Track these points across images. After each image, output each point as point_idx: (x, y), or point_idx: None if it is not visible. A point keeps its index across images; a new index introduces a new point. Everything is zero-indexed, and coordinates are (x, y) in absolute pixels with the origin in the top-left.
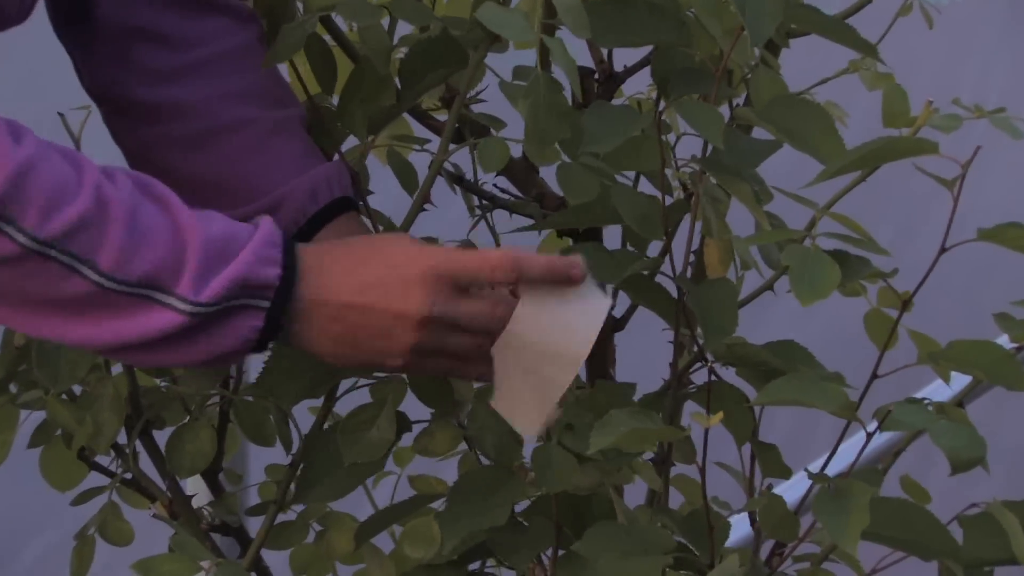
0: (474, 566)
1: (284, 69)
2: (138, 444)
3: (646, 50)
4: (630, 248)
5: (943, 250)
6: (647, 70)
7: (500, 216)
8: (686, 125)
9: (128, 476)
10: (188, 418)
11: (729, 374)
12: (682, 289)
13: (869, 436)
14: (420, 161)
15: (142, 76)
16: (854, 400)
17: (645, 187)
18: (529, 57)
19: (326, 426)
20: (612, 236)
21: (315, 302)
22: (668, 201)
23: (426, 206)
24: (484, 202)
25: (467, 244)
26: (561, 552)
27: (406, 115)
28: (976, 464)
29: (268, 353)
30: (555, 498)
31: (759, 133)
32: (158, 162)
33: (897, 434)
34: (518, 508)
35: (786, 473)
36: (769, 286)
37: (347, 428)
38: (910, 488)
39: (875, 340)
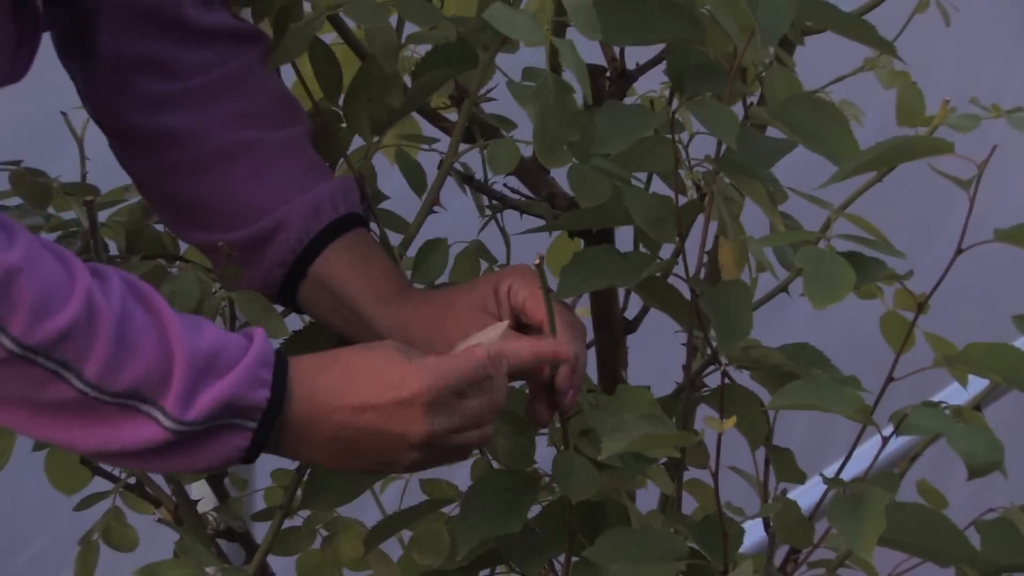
0: (484, 573)
1: (287, 74)
2: None
3: (658, 48)
4: (643, 249)
5: (959, 251)
6: (660, 68)
7: (510, 216)
8: (699, 124)
9: (132, 481)
10: None
11: (743, 377)
12: (695, 291)
13: (885, 440)
14: (428, 161)
15: (139, 104)
16: (870, 404)
17: (658, 187)
18: (541, 56)
19: None
20: (624, 235)
21: (308, 421)
22: (681, 202)
23: (435, 208)
24: (494, 202)
25: (476, 244)
26: (574, 559)
27: (415, 114)
28: (994, 469)
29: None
30: (569, 504)
31: (773, 132)
32: (161, 189)
33: (914, 438)
34: (529, 515)
35: (801, 478)
36: (783, 288)
37: None
38: (927, 493)
39: (891, 343)
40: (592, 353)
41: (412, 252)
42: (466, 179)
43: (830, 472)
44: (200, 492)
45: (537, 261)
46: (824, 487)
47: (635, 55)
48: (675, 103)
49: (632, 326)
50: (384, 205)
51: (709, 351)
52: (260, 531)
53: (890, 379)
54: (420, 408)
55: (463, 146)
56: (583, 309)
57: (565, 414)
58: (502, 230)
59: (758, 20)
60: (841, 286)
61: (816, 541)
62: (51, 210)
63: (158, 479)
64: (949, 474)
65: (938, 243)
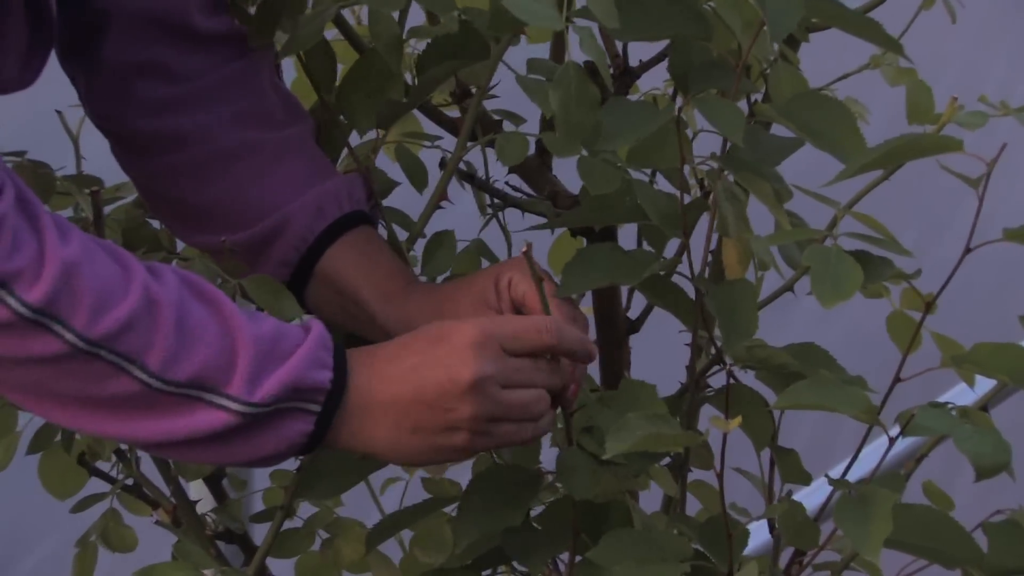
0: (487, 572)
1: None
2: None
3: (661, 45)
4: (647, 247)
5: (967, 250)
6: (662, 65)
7: (512, 215)
8: (703, 122)
9: (129, 482)
10: None
11: (748, 377)
12: (700, 290)
13: (892, 441)
14: (428, 158)
15: (142, 108)
16: (876, 404)
17: (661, 184)
18: (538, 51)
19: None
20: (627, 235)
21: (367, 398)
22: (686, 199)
23: (441, 204)
24: (496, 200)
25: (478, 243)
26: (578, 559)
27: (415, 111)
28: (1001, 470)
29: None
30: (573, 502)
31: (778, 129)
32: (164, 192)
33: (919, 439)
34: (533, 513)
35: (806, 479)
36: (789, 287)
37: None
38: (933, 494)
39: (898, 343)
40: None
41: (417, 249)
42: (468, 177)
43: (836, 473)
44: (198, 493)
45: (525, 249)
46: (830, 489)
47: (638, 52)
48: (680, 99)
49: (635, 325)
50: (388, 202)
51: (713, 351)
52: (259, 533)
53: (897, 379)
54: (469, 352)
55: (472, 144)
56: (586, 308)
57: (567, 409)
58: (503, 229)
59: (767, 16)
60: (848, 285)
61: (822, 543)
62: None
63: (157, 480)
64: (955, 475)
65: (945, 242)
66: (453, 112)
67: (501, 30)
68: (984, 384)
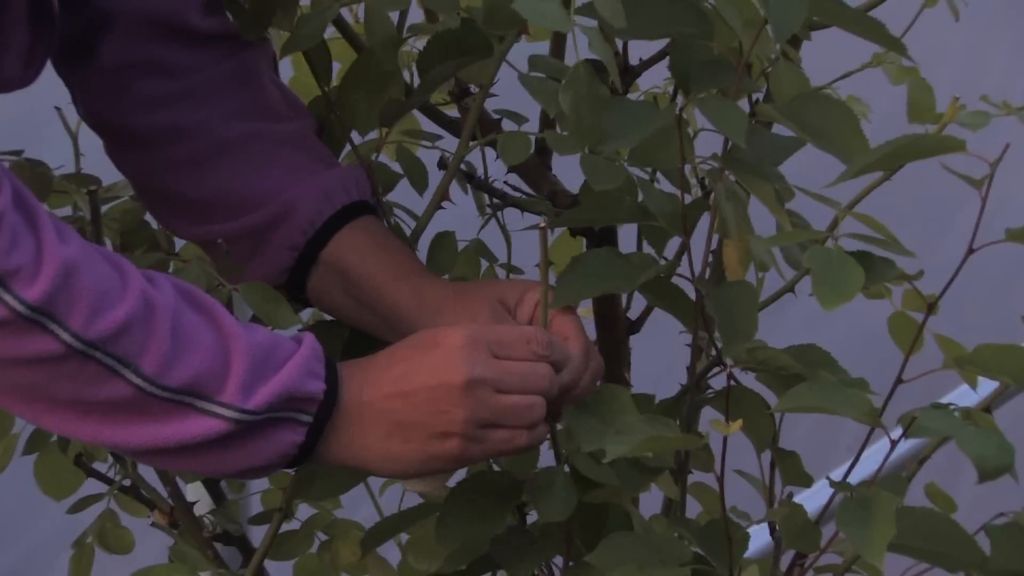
0: None
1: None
2: None
3: (662, 43)
4: (647, 248)
5: (970, 251)
6: (663, 64)
7: (511, 215)
8: (704, 121)
9: (126, 483)
10: None
11: (748, 379)
12: (700, 291)
13: (894, 443)
14: (426, 157)
15: (139, 105)
16: (878, 406)
17: (662, 185)
18: (537, 49)
19: None
20: (627, 235)
21: (358, 408)
22: (687, 200)
23: (443, 203)
24: (495, 200)
25: (477, 244)
26: (572, 564)
27: (415, 111)
28: (1004, 472)
29: None
30: None
31: (780, 129)
32: (162, 188)
33: (921, 441)
34: (530, 518)
35: (807, 481)
36: (790, 288)
37: None
38: (935, 497)
39: (900, 344)
40: None
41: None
42: (467, 177)
43: (837, 475)
44: (196, 494)
45: (542, 224)
46: (831, 491)
47: (638, 51)
48: (681, 99)
49: (635, 327)
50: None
51: (714, 352)
52: (257, 535)
53: (899, 381)
54: (459, 354)
55: (474, 144)
56: (585, 309)
57: (555, 419)
58: (503, 228)
59: (770, 14)
60: (850, 286)
61: (823, 546)
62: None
63: (154, 481)
64: (958, 478)
65: (947, 242)
66: (452, 111)
67: (498, 27)
68: (987, 386)
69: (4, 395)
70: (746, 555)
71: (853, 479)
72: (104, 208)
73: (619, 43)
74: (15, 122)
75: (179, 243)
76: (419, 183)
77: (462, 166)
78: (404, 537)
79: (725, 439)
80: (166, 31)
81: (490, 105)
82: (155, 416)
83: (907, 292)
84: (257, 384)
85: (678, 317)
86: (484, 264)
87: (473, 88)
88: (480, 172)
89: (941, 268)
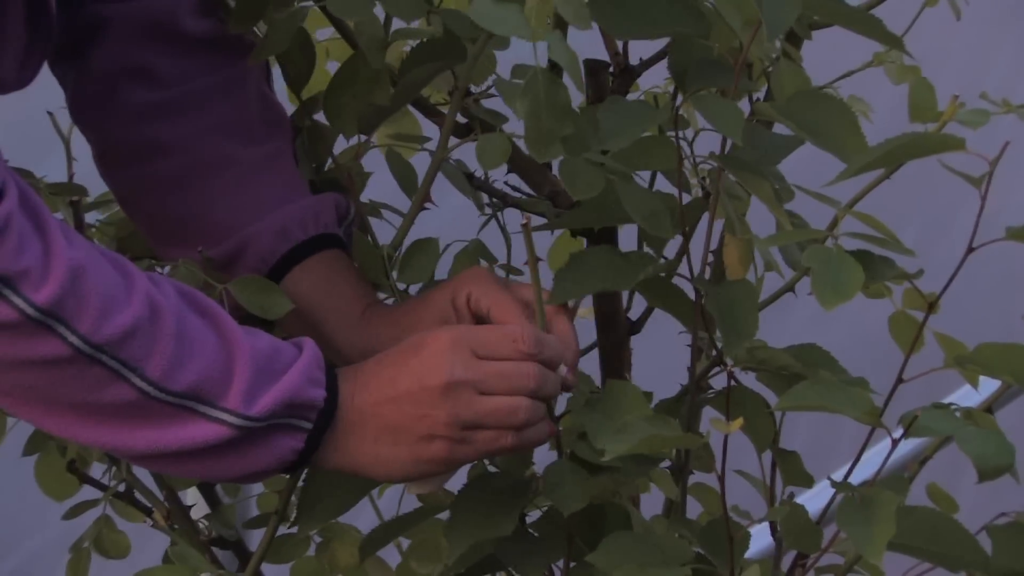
0: None
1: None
2: None
3: (662, 43)
4: (647, 249)
5: (970, 250)
6: (663, 63)
7: (511, 215)
8: (704, 121)
9: (122, 488)
10: None
11: (749, 379)
12: (700, 291)
13: (895, 443)
14: (425, 160)
15: (124, 114)
16: (878, 405)
17: (662, 185)
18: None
19: None
20: (629, 234)
21: (351, 413)
22: (686, 199)
23: (426, 205)
24: (494, 200)
25: (477, 244)
26: (573, 564)
27: (415, 112)
28: (1005, 472)
29: None
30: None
31: (780, 129)
32: (142, 202)
33: (922, 441)
34: (530, 519)
35: (808, 481)
36: (790, 287)
37: None
38: (937, 497)
39: (900, 343)
40: (595, 354)
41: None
42: (466, 177)
43: (838, 476)
44: (192, 498)
45: (524, 221)
46: (832, 491)
47: (639, 50)
48: (679, 99)
49: (636, 327)
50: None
51: (714, 352)
52: (254, 539)
53: (899, 380)
54: (440, 356)
55: (454, 140)
56: (586, 310)
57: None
58: (502, 229)
59: (763, 12)
60: (849, 285)
61: (824, 546)
62: None
63: (150, 484)
64: (959, 478)
65: (948, 241)
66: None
67: (463, 32)
68: (989, 385)
69: (6, 396)
70: (748, 556)
71: (854, 479)
72: (101, 217)
73: (619, 43)
74: (8, 125)
75: None
76: (408, 186)
77: (453, 163)
78: (405, 541)
79: (726, 439)
80: (158, 37)
81: (490, 106)
82: (157, 420)
83: (907, 291)
84: (260, 390)
85: (678, 317)
86: (483, 264)
87: (473, 88)
88: (480, 172)
89: (942, 267)
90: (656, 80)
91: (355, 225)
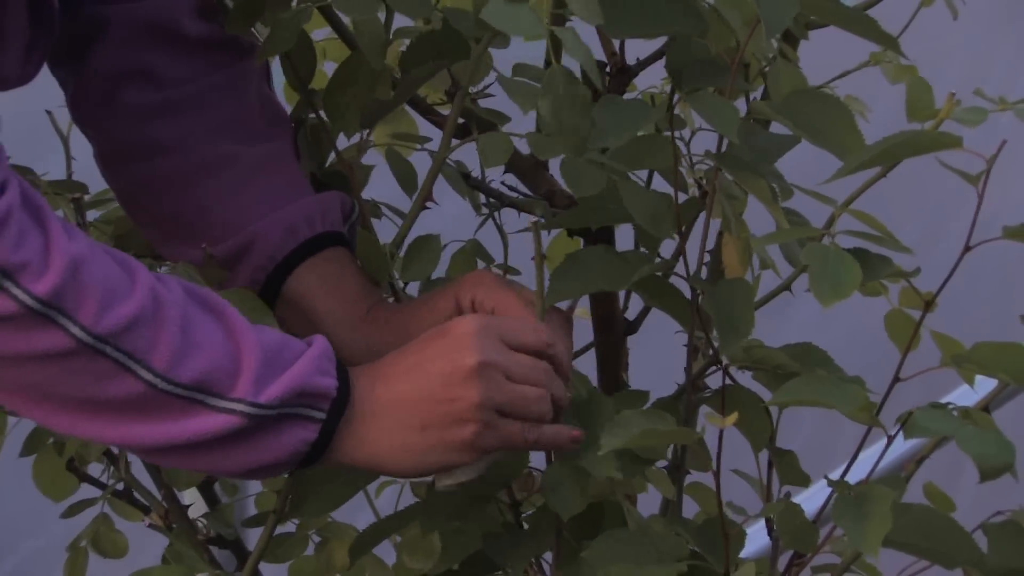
0: None
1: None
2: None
3: (659, 42)
4: (643, 249)
5: (967, 248)
6: (661, 63)
7: (508, 215)
8: (701, 120)
9: (120, 487)
10: None
11: (746, 378)
12: (696, 290)
13: (890, 440)
14: (424, 160)
15: (125, 115)
16: (875, 404)
17: (659, 184)
18: (536, 48)
19: None
20: (626, 234)
21: (371, 403)
22: (682, 199)
23: (427, 204)
24: (491, 200)
25: (474, 244)
26: (563, 560)
27: (413, 113)
28: (1004, 471)
29: None
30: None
31: (778, 128)
32: (143, 201)
33: (921, 441)
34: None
35: (805, 481)
36: (787, 286)
37: None
38: (934, 496)
39: (897, 342)
40: (592, 354)
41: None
42: (463, 177)
43: (835, 476)
44: (190, 497)
45: (532, 223)
46: (829, 491)
47: (636, 50)
48: (675, 97)
49: (633, 327)
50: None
51: (711, 351)
52: (252, 538)
53: (896, 379)
54: (470, 339)
55: (455, 140)
56: (583, 310)
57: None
58: (500, 229)
59: (761, 11)
60: (847, 283)
61: (820, 545)
62: None
63: (149, 484)
64: (957, 477)
65: (945, 240)
66: (448, 111)
67: (468, 31)
68: (986, 384)
69: (13, 395)
70: (745, 555)
71: (851, 479)
72: (99, 214)
73: (616, 42)
74: (7, 123)
75: None
76: (409, 186)
77: (452, 164)
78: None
79: (721, 436)
80: (159, 38)
81: (490, 105)
82: (166, 413)
83: (904, 290)
84: (269, 379)
85: (675, 316)
86: (482, 265)
87: (473, 88)
88: (476, 172)
89: (939, 266)
90: (653, 80)
91: (359, 223)
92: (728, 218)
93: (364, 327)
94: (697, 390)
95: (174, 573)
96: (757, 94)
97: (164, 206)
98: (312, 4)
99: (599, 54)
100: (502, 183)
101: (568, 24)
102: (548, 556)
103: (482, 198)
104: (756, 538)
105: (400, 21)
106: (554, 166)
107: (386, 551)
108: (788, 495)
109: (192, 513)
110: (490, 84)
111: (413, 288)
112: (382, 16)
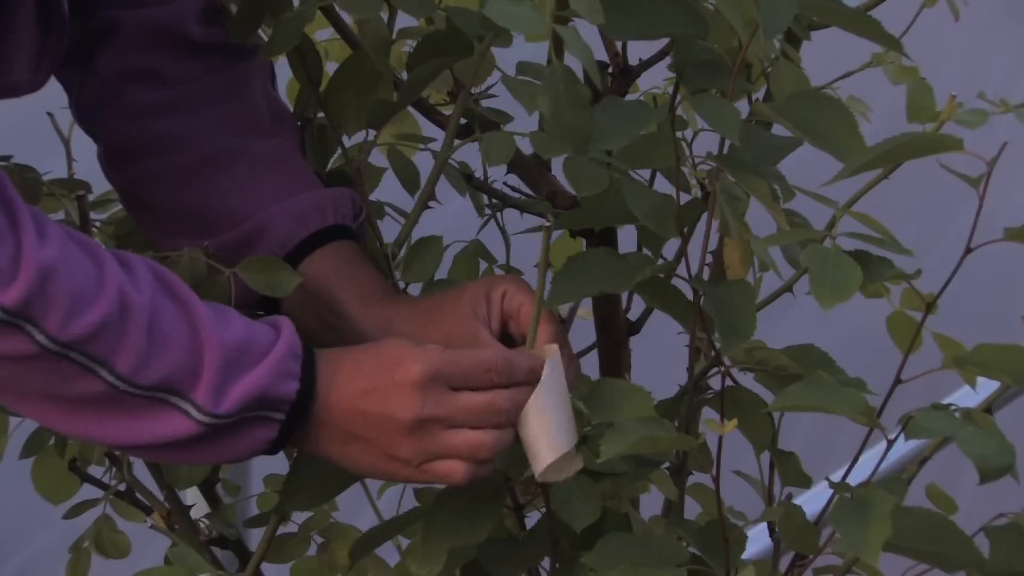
0: None
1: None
2: None
3: (662, 43)
4: (645, 250)
5: (968, 250)
6: (663, 64)
7: (511, 216)
8: (703, 121)
9: (122, 488)
10: None
11: (747, 380)
12: (698, 291)
13: (890, 443)
14: (426, 160)
15: (131, 112)
16: (877, 406)
17: (661, 185)
18: (538, 49)
19: None
20: (627, 235)
21: (324, 411)
22: (684, 199)
23: (430, 204)
24: (494, 201)
25: (476, 245)
26: (561, 566)
27: (414, 112)
28: (1005, 472)
29: None
30: (549, 512)
31: (780, 129)
32: (147, 198)
33: (923, 442)
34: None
35: (806, 482)
36: (788, 288)
37: None
38: (936, 498)
39: (899, 343)
40: (595, 355)
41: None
42: (465, 177)
43: (837, 477)
44: (192, 498)
45: (547, 222)
46: (830, 493)
47: (638, 51)
48: (678, 98)
49: (636, 327)
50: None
51: (713, 353)
52: (254, 538)
53: (897, 381)
54: (411, 391)
55: (457, 141)
56: (585, 310)
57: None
58: (502, 230)
59: (761, 12)
60: (848, 285)
61: (822, 546)
62: None
63: (150, 485)
64: (959, 480)
65: (946, 241)
66: (451, 111)
67: (470, 30)
68: (988, 386)
69: None
70: (746, 557)
71: (852, 480)
72: (104, 215)
73: (619, 43)
74: (8, 126)
75: None
76: (412, 186)
77: (456, 165)
78: (405, 540)
79: (721, 439)
80: (166, 41)
81: (491, 105)
82: (128, 412)
83: (906, 291)
84: (228, 386)
85: (676, 318)
86: (483, 266)
87: (474, 88)
88: (479, 172)
89: (940, 267)
90: (655, 81)
91: (366, 225)
92: (727, 219)
93: (381, 306)
94: (699, 391)
95: (176, 574)
96: (760, 94)
97: (170, 200)
98: (315, 3)
99: (602, 55)
100: (504, 184)
101: (570, 24)
102: (546, 563)
103: (485, 199)
104: (758, 539)
105: (403, 21)
106: (557, 167)
107: (387, 551)
108: (790, 496)
109: (194, 514)
110: (493, 84)
111: (414, 289)
112: (385, 16)
